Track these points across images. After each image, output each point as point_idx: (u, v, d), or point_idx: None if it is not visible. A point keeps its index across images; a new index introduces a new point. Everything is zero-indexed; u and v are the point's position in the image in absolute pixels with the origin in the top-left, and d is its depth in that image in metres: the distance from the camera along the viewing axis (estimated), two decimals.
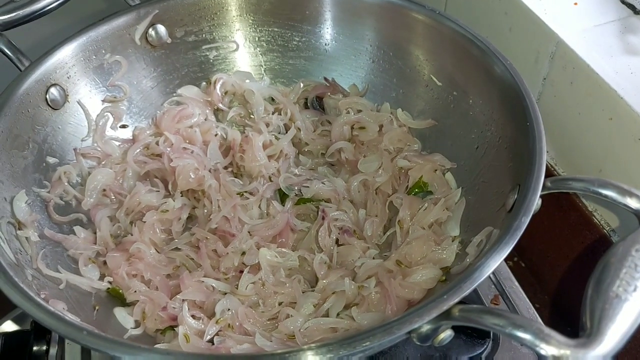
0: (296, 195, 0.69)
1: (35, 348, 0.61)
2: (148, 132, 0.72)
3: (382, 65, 0.74)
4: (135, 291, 0.60)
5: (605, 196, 0.48)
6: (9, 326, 0.66)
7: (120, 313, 0.59)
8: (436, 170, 0.67)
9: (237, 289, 0.60)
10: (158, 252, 0.64)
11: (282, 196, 0.70)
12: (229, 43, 0.76)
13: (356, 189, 0.68)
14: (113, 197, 0.67)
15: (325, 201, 0.68)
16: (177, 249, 0.64)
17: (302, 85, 0.77)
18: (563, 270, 0.71)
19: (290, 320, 0.56)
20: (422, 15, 0.67)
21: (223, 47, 0.76)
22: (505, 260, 0.48)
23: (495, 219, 0.54)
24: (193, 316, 0.57)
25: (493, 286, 0.67)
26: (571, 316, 0.70)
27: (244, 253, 0.62)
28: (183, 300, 0.58)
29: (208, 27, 0.75)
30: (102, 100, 0.70)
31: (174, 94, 0.75)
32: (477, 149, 0.64)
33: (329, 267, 0.62)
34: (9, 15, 0.66)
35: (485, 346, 0.60)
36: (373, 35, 0.73)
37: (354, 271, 0.61)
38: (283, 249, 0.63)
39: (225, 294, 0.59)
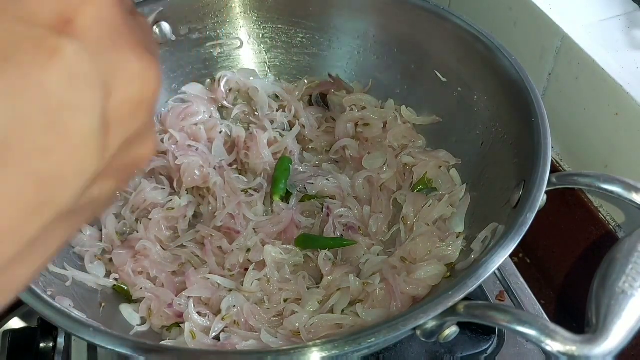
0: (300, 192, 0.69)
1: (42, 345, 0.61)
2: None
3: (386, 62, 0.73)
4: (141, 288, 0.60)
5: (611, 192, 0.48)
6: (16, 323, 0.66)
7: (126, 310, 0.59)
8: (441, 166, 0.67)
9: (242, 285, 0.60)
10: (164, 249, 0.64)
11: (287, 193, 0.70)
12: (233, 40, 0.76)
13: (361, 186, 0.68)
14: (118, 194, 0.68)
15: (329, 198, 0.68)
16: (182, 246, 0.64)
17: (306, 82, 0.77)
18: (569, 266, 0.71)
19: (295, 317, 0.56)
20: (426, 11, 0.67)
21: (227, 44, 0.76)
22: (511, 256, 0.48)
23: (500, 215, 0.54)
24: (199, 313, 0.57)
25: (498, 282, 0.67)
26: (577, 312, 0.70)
27: (249, 250, 0.62)
28: (189, 297, 0.59)
29: (212, 24, 0.75)
30: None
31: (179, 92, 0.75)
32: (482, 145, 0.63)
33: (334, 263, 0.62)
34: None
35: (490, 342, 0.60)
36: (377, 31, 0.73)
37: (359, 268, 0.61)
38: (288, 246, 0.63)
39: (231, 290, 0.60)
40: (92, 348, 0.61)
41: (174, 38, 0.73)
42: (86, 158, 0.20)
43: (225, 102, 0.76)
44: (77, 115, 0.19)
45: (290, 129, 0.74)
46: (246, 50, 0.77)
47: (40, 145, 0.18)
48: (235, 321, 0.57)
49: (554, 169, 0.55)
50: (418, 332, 0.43)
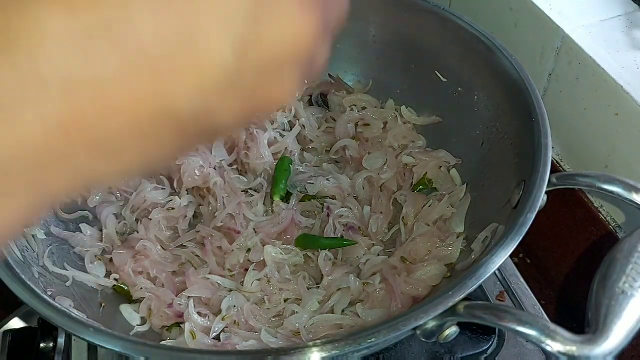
0: (300, 192, 0.69)
1: (42, 345, 0.61)
2: None
3: (386, 62, 0.73)
4: (141, 288, 0.60)
5: (611, 192, 0.48)
6: (16, 323, 0.66)
7: (126, 310, 0.59)
8: (441, 166, 0.67)
9: (242, 285, 0.60)
10: (164, 249, 0.64)
11: (287, 193, 0.70)
12: None
13: (361, 186, 0.68)
14: (119, 194, 0.68)
15: (329, 198, 0.68)
16: (182, 245, 0.64)
17: (306, 82, 0.77)
18: (569, 267, 0.71)
19: (295, 317, 0.56)
20: (426, 11, 0.67)
21: None
22: (511, 256, 0.48)
23: (500, 215, 0.54)
24: (199, 313, 0.57)
25: (498, 282, 0.67)
26: (577, 312, 0.70)
27: (249, 250, 0.62)
28: (189, 297, 0.59)
29: None
30: None
31: None
32: (482, 145, 0.63)
33: (334, 263, 0.62)
34: None
35: (490, 342, 0.60)
36: (377, 31, 0.73)
37: (359, 268, 0.61)
38: (288, 246, 0.63)
39: (231, 290, 0.60)
40: (92, 348, 0.61)
41: None
42: (212, 62, 0.20)
43: None
44: (217, 23, 0.19)
45: (290, 129, 0.74)
46: None
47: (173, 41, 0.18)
48: (235, 321, 0.57)
49: (554, 169, 0.55)
50: (418, 332, 0.43)
